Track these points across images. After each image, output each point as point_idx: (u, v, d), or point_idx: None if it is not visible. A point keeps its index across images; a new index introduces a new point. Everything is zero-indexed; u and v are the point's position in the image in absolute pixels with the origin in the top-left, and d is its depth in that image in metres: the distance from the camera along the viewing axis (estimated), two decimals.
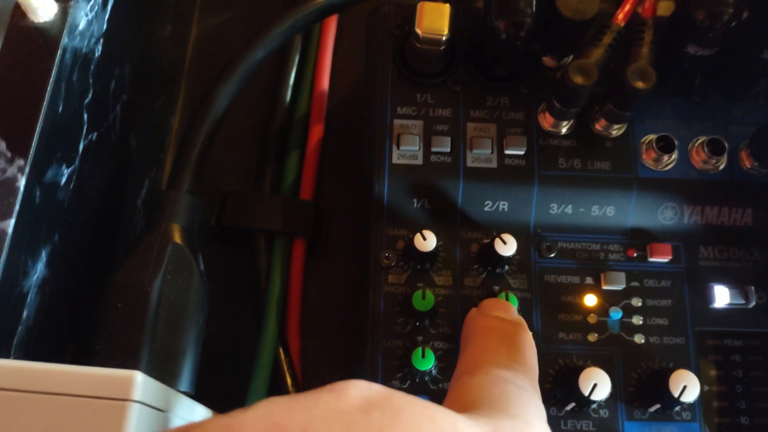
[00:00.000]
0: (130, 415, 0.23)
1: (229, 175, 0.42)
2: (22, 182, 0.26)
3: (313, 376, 0.38)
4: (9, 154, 0.26)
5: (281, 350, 0.37)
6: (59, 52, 0.28)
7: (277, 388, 0.36)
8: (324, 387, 0.20)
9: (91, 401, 0.24)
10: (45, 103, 0.27)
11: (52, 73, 0.28)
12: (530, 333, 0.29)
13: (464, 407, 0.24)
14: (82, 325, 0.32)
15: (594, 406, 0.32)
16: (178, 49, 0.44)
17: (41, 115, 0.27)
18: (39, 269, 0.28)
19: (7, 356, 0.25)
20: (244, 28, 0.46)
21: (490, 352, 0.27)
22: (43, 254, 0.28)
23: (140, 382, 0.24)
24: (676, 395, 0.31)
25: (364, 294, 0.34)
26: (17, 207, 0.26)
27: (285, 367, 0.37)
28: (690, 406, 0.33)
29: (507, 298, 0.32)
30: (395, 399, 0.20)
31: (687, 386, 0.31)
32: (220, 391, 0.35)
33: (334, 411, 0.19)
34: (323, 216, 0.41)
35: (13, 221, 0.25)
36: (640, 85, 0.31)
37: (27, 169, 0.26)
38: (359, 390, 0.20)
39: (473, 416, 0.22)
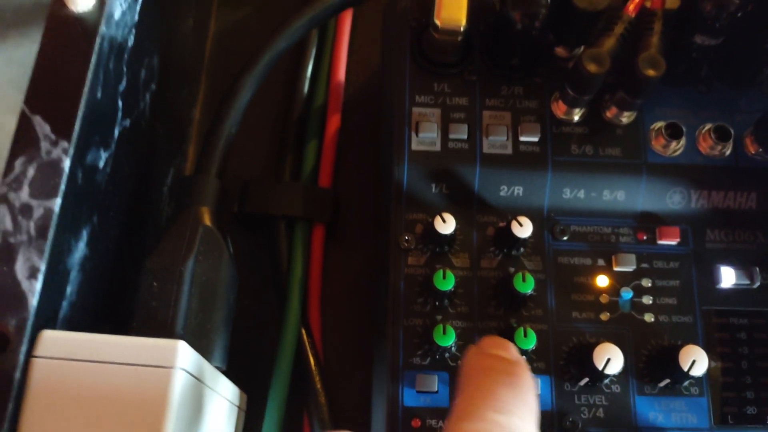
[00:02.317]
0: (174, 381, 0.25)
1: (250, 165, 0.43)
2: (66, 163, 0.27)
3: (334, 355, 0.40)
4: (53, 137, 0.28)
5: (304, 331, 0.38)
6: (98, 40, 0.29)
7: (300, 367, 0.38)
8: None
9: (137, 369, 0.25)
10: (86, 89, 0.29)
11: (92, 61, 0.29)
12: (531, 373, 0.27)
13: None
14: (116, 306, 0.33)
15: (607, 381, 0.34)
16: (199, 43, 0.45)
17: (82, 101, 0.28)
18: (80, 248, 0.29)
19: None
20: (261, 24, 0.47)
21: (489, 396, 0.25)
22: (84, 234, 0.30)
23: (183, 350, 0.25)
24: (685, 369, 0.32)
25: (384, 276, 0.36)
26: (63, 187, 0.27)
27: (308, 347, 0.38)
28: (698, 381, 0.34)
29: (524, 279, 0.34)
30: None
31: (696, 360, 0.32)
32: (247, 370, 0.36)
33: None
34: (341, 203, 0.42)
35: (59, 200, 0.27)
36: (651, 72, 0.33)
37: (71, 151, 0.27)
38: None
39: None
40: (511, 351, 0.29)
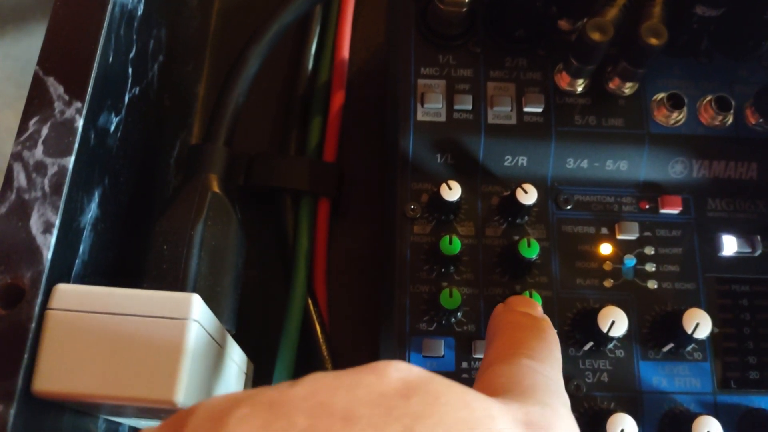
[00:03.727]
0: (189, 332, 0.25)
1: (256, 140, 0.44)
2: (80, 123, 0.28)
3: (340, 324, 0.40)
4: (67, 97, 0.28)
5: (310, 301, 0.39)
6: (110, 5, 0.30)
7: (307, 336, 0.38)
8: (366, 366, 0.21)
9: (151, 320, 0.25)
10: (98, 52, 0.29)
11: (104, 25, 0.29)
12: (555, 329, 0.29)
13: (495, 392, 0.24)
14: (126, 269, 0.34)
15: (611, 345, 0.34)
16: (204, 19, 0.45)
17: (95, 63, 0.29)
18: (92, 208, 0.30)
19: None
20: (264, 1, 0.47)
21: (520, 345, 0.27)
22: (96, 195, 0.30)
23: (197, 303, 0.26)
24: (689, 332, 0.32)
25: (391, 245, 0.36)
26: (76, 145, 0.27)
27: (314, 316, 0.38)
28: (701, 347, 0.35)
29: (529, 244, 0.34)
30: (433, 384, 0.20)
31: (699, 323, 0.33)
32: (254, 341, 0.37)
33: (375, 394, 0.19)
34: (345, 178, 0.43)
35: (73, 158, 0.27)
36: (653, 41, 0.33)
37: (84, 112, 0.28)
38: (399, 373, 0.20)
39: (505, 401, 0.23)
40: (538, 309, 0.31)
